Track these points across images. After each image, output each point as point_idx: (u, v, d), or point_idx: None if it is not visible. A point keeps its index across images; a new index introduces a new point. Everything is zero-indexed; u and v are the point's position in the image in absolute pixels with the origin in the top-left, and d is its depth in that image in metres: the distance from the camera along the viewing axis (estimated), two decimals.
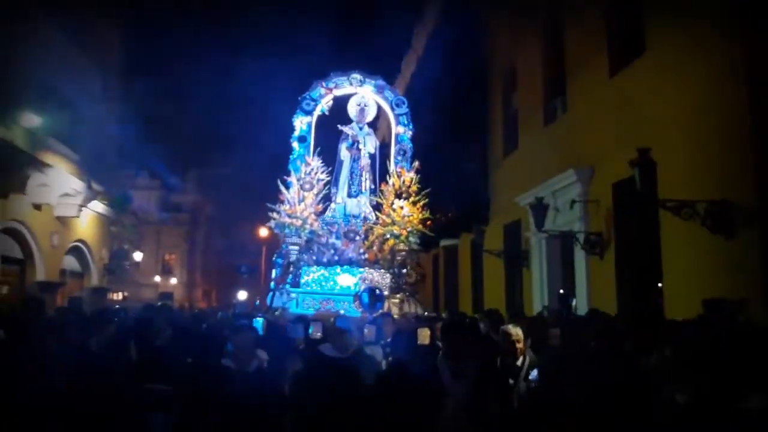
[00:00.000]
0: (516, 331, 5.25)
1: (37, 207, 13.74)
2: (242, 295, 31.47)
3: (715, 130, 7.16)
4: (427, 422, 4.06)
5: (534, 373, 4.78)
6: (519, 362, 5.12)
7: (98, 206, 16.90)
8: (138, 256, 25.86)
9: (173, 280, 44.25)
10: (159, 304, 9.98)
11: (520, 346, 5.18)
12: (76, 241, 16.34)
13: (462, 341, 4.63)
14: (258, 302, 16.63)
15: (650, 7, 8.70)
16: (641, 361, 4.36)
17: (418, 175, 12.57)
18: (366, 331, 6.14)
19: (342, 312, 10.18)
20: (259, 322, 6.22)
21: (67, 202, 14.60)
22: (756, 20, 6.73)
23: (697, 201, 6.96)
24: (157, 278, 42.81)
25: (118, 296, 22.80)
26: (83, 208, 15.29)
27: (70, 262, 16.71)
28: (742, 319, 6.06)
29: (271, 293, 11.65)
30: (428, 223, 12.56)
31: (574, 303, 9.95)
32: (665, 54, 8.22)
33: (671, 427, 3.12)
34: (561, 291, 11.41)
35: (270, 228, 12.84)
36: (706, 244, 7.04)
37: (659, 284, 8.29)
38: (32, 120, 11.92)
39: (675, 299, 7.73)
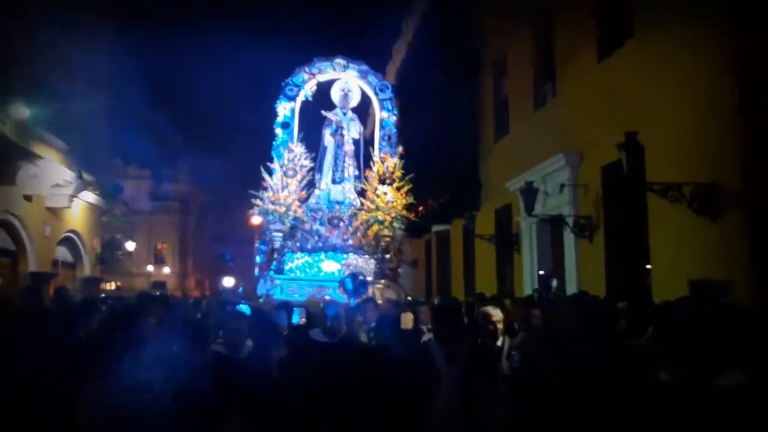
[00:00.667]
0: (496, 312, 5.32)
1: (28, 198, 13.74)
2: (228, 281, 31.56)
3: (702, 115, 7.24)
4: (414, 405, 4.13)
5: (516, 356, 4.84)
6: (499, 343, 5.21)
7: (90, 196, 16.89)
8: (130, 245, 25.86)
9: (166, 270, 44.20)
10: (158, 293, 10.04)
11: (500, 326, 5.25)
12: (68, 231, 16.34)
13: (454, 325, 4.69)
14: (241, 289, 16.65)
15: None
16: (630, 343, 4.44)
17: (402, 161, 12.59)
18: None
19: (328, 298, 10.25)
20: (244, 308, 6.27)
21: (59, 192, 14.61)
22: (742, 5, 6.79)
23: (683, 184, 7.06)
24: (150, 267, 42.74)
25: (111, 286, 22.84)
26: (75, 199, 15.29)
27: (63, 253, 16.72)
28: (729, 299, 6.18)
29: (257, 280, 11.76)
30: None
31: (554, 284, 9.98)
32: (652, 39, 8.27)
33: (656, 405, 3.20)
34: (541, 272, 11.48)
35: (254, 214, 12.88)
36: (692, 226, 7.14)
37: (647, 266, 8.40)
38: (23, 111, 11.90)
39: (662, 280, 7.84)
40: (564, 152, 10.46)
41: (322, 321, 5.56)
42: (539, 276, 11.34)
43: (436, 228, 18.21)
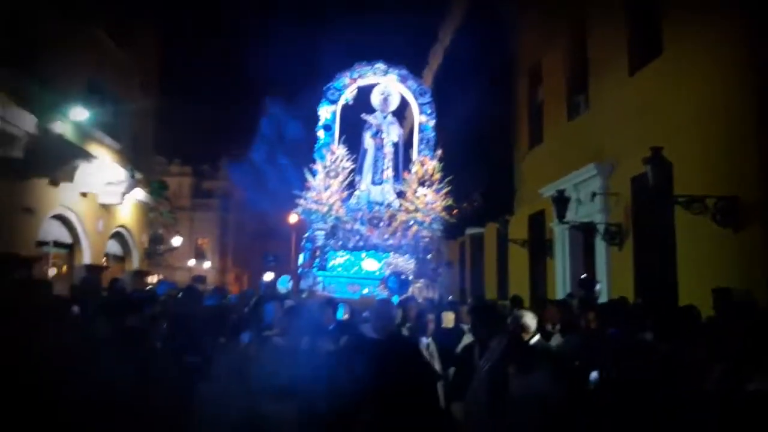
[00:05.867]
0: (531, 321, 5.58)
1: (84, 195, 14.54)
2: (268, 276, 32.17)
3: (724, 130, 7.54)
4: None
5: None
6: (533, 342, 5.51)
7: (139, 193, 17.68)
8: (177, 241, 26.74)
9: (206, 264, 45.32)
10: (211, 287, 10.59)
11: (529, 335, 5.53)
12: (119, 226, 17.16)
13: (489, 325, 4.88)
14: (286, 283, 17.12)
15: (669, 10, 9.03)
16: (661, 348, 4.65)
17: (441, 164, 12.99)
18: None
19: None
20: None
21: (111, 190, 15.36)
22: (763, 26, 7.06)
23: (707, 196, 7.35)
24: (191, 262, 43.88)
25: (153, 279, 23.78)
26: (125, 196, 16.06)
27: (113, 247, 17.55)
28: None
29: (285, 277, 12.23)
30: (454, 211, 13.04)
31: (598, 288, 10.11)
32: (681, 55, 8.57)
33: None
34: (584, 275, 11.53)
35: (297, 213, 13.45)
36: (715, 238, 7.44)
37: (674, 274, 8.68)
38: (81, 114, 12.64)
39: (688, 288, 8.12)
40: (596, 162, 10.77)
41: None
42: (581, 279, 11.43)
43: (469, 231, 18.55)
